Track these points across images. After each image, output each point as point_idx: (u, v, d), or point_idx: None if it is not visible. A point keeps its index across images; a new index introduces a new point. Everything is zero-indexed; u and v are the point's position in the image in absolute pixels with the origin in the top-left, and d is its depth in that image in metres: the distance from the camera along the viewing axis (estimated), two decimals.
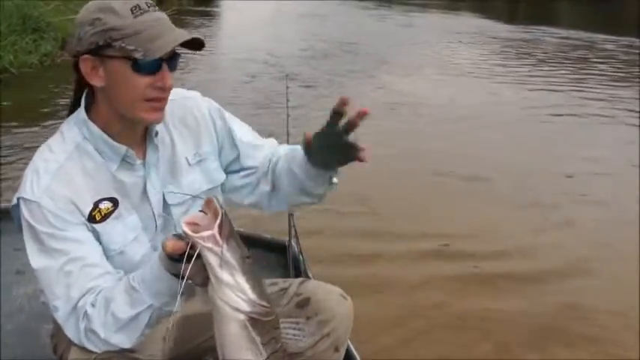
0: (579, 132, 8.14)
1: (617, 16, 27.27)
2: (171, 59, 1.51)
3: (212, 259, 1.24)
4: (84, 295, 1.49)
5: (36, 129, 6.63)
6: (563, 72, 12.43)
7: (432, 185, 5.82)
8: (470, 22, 21.85)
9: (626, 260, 4.44)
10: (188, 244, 1.30)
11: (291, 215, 2.93)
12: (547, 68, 12.85)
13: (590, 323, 3.67)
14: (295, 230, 2.91)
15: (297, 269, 2.80)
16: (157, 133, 1.65)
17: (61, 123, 1.66)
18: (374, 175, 5.37)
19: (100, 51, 1.46)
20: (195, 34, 1.51)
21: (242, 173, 1.86)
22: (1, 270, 2.83)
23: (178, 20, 15.98)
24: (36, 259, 1.51)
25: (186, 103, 1.78)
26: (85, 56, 1.48)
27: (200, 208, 1.34)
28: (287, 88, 2.76)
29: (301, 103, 7.66)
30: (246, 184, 1.86)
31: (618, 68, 13.25)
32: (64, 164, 1.54)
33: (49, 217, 1.49)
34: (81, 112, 1.59)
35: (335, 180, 1.67)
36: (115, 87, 1.50)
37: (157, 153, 1.67)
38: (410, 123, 8.02)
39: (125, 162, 1.60)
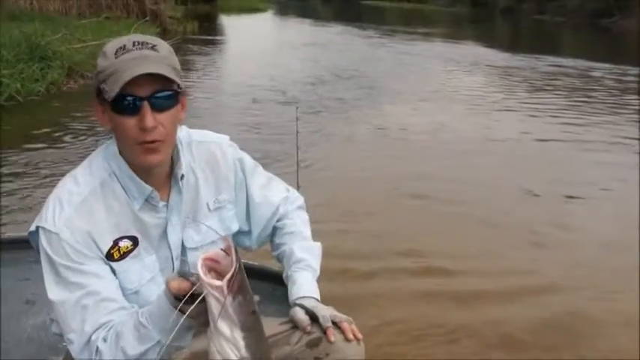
0: (572, 157, 8.16)
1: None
2: (154, 98, 1.46)
3: (214, 307, 1.23)
4: (97, 329, 1.48)
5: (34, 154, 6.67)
6: (557, 99, 12.53)
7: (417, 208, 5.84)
8: (472, 50, 22.02)
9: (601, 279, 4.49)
10: (193, 285, 1.29)
11: None
12: (545, 95, 12.91)
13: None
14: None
15: None
16: (182, 176, 1.64)
17: (60, 150, 1.65)
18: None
19: (99, 95, 1.49)
20: (163, 70, 1.45)
21: (250, 227, 1.90)
22: (11, 300, 2.79)
23: (182, 48, 16.15)
24: (53, 291, 1.50)
25: (211, 148, 1.76)
26: (94, 101, 1.51)
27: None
28: (297, 119, 2.75)
29: (309, 129, 7.78)
30: (255, 234, 1.91)
31: (609, 95, 13.33)
32: (88, 198, 1.53)
33: (68, 250, 1.48)
34: (112, 145, 1.58)
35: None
36: (115, 131, 1.52)
37: (180, 196, 1.65)
38: (408, 150, 8.06)
39: (148, 202, 1.59)
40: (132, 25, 16.33)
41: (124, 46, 1.45)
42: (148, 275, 1.61)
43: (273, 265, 2.96)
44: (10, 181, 5.81)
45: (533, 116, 10.57)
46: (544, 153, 8.24)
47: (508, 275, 4.43)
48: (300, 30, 27.87)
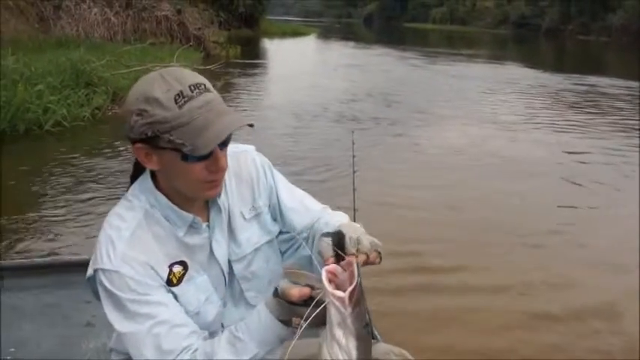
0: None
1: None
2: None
3: (334, 317, 1.29)
4: (179, 353, 1.48)
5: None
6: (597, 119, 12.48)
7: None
8: (515, 71, 21.87)
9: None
10: (312, 290, 1.39)
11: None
12: (584, 116, 12.84)
13: None
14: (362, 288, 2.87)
15: None
16: (219, 195, 1.64)
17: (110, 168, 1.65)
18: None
19: (150, 140, 1.45)
20: (246, 120, 1.48)
21: (283, 237, 1.84)
22: (71, 322, 2.85)
23: (226, 72, 16.39)
24: (122, 325, 1.49)
25: (239, 157, 1.76)
26: (138, 144, 1.47)
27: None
28: (353, 144, 2.69)
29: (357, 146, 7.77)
30: (287, 247, 1.84)
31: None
32: (136, 231, 1.53)
33: (131, 284, 1.48)
34: (147, 180, 1.59)
35: None
36: (169, 172, 1.51)
37: (220, 214, 1.66)
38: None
39: (192, 227, 1.60)
40: (176, 50, 16.64)
41: (181, 92, 1.41)
42: (203, 296, 1.62)
43: None
44: (62, 206, 5.96)
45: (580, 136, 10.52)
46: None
47: None
48: (342, 53, 28.01)
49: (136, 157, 1.51)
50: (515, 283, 4.73)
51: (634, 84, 18.64)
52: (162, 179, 1.56)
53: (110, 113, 10.26)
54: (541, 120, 12.29)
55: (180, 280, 1.57)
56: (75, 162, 7.57)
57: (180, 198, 1.57)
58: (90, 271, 1.52)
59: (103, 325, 1.50)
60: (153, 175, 1.59)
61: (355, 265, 1.33)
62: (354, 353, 1.28)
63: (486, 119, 12.11)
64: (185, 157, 1.44)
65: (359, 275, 1.32)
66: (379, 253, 1.45)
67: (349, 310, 1.28)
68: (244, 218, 1.74)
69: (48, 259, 3.62)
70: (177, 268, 1.57)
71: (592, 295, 4.59)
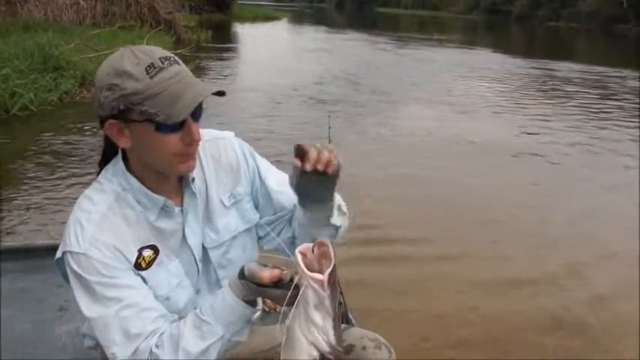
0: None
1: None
2: (194, 110, 1.46)
3: (312, 299, 1.30)
4: (146, 338, 1.47)
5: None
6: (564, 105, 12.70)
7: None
8: (485, 56, 22.01)
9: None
10: (281, 272, 1.40)
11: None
12: (555, 101, 13.07)
13: None
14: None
15: None
16: (193, 179, 1.64)
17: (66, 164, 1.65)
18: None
19: (122, 115, 1.44)
20: (215, 87, 1.47)
21: (267, 219, 1.83)
22: (44, 307, 2.84)
23: (196, 57, 16.29)
24: (89, 309, 1.48)
25: (219, 144, 1.75)
26: (110, 121, 1.46)
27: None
28: (329, 127, 2.67)
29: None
30: (268, 231, 1.84)
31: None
32: (106, 213, 1.52)
33: (99, 267, 1.47)
34: (119, 163, 1.58)
35: (336, 222, 1.66)
36: (143, 147, 1.49)
37: (194, 199, 1.65)
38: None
39: (164, 211, 1.59)
40: (146, 34, 16.48)
41: (152, 64, 1.41)
42: (174, 281, 1.61)
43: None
44: (26, 190, 5.92)
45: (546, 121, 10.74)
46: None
47: None
48: (313, 37, 27.91)
49: (108, 135, 1.50)
50: (466, 253, 5.02)
51: (600, 69, 18.92)
52: (135, 159, 1.55)
53: (78, 98, 10.14)
54: (506, 103, 12.53)
55: (149, 264, 1.56)
56: (42, 146, 7.49)
57: (153, 180, 1.56)
58: (58, 254, 1.52)
59: (76, 309, 1.51)
60: (125, 158, 1.57)
61: (330, 247, 1.33)
62: (331, 332, 1.30)
63: (452, 102, 12.28)
64: (158, 127, 1.43)
65: (334, 255, 1.33)
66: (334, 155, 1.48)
67: (328, 292, 1.30)
68: (224, 205, 1.73)
69: (20, 243, 3.59)
70: (147, 252, 1.56)
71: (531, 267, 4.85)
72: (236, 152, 1.77)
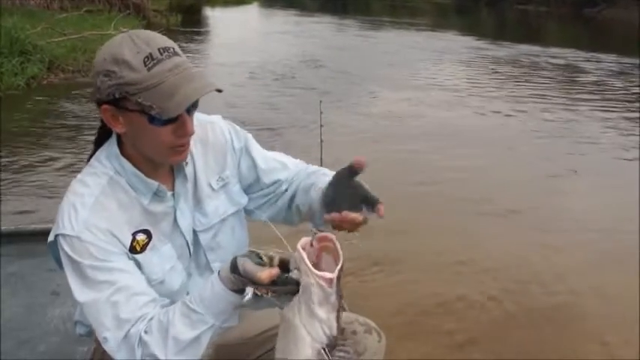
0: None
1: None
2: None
3: (317, 296, 1.30)
4: (135, 323, 1.46)
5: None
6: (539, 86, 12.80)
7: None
8: (455, 40, 22.10)
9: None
10: (280, 272, 1.38)
11: None
12: (526, 84, 13.23)
13: None
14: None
15: None
16: (187, 163, 1.66)
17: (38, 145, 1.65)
18: None
19: (117, 102, 1.44)
20: (215, 85, 1.47)
21: (260, 193, 1.86)
22: (37, 291, 2.86)
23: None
24: (81, 293, 1.48)
25: (207, 128, 1.76)
26: (105, 106, 1.46)
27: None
28: (320, 113, 2.67)
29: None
30: (265, 202, 1.87)
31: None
32: (99, 197, 1.52)
33: (92, 250, 1.47)
34: (113, 146, 1.58)
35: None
36: (136, 135, 1.50)
37: (186, 183, 1.67)
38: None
39: (156, 195, 1.60)
40: (114, 18, 16.24)
41: (150, 55, 1.41)
42: (167, 265, 1.62)
43: None
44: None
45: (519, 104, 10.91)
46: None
47: None
48: (284, 21, 27.76)
49: (103, 118, 1.50)
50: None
51: (568, 52, 19.14)
52: (129, 144, 1.55)
53: (46, 82, 10.06)
54: (476, 86, 12.66)
55: (143, 248, 1.57)
56: (9, 130, 7.43)
57: (146, 165, 1.57)
58: (51, 237, 1.52)
59: (68, 294, 1.51)
60: (119, 141, 1.58)
61: (337, 244, 1.34)
62: (334, 325, 1.32)
63: (422, 86, 12.34)
64: (152, 120, 1.43)
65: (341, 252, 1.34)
66: None
67: (334, 289, 1.31)
68: (212, 188, 1.74)
69: (12, 228, 3.60)
70: (140, 236, 1.57)
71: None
72: (225, 135, 1.78)
